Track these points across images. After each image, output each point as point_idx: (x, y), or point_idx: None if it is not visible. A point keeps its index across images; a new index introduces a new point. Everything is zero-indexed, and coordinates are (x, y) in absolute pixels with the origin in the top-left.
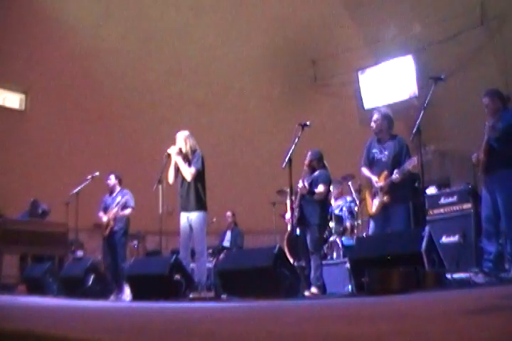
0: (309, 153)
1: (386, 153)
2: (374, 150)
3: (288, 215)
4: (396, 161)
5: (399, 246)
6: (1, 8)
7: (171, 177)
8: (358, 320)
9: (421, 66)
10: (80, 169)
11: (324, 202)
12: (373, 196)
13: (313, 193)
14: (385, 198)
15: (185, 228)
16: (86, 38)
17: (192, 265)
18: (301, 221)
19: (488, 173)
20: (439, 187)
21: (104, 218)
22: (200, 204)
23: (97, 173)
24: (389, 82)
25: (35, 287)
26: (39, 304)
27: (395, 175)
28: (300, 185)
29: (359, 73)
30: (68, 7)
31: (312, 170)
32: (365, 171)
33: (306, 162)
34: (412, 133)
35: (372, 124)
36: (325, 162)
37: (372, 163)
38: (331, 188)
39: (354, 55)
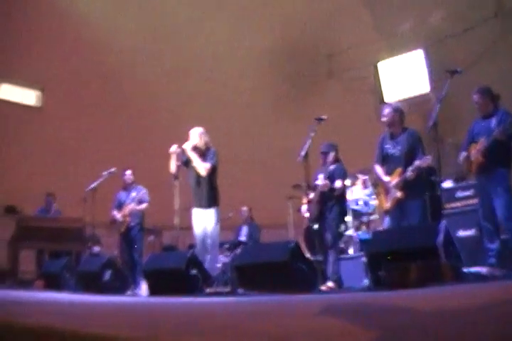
0: (324, 147)
1: (399, 147)
2: (387, 146)
3: (304, 207)
4: (409, 156)
5: (415, 239)
6: (17, 6)
7: (172, 168)
8: (374, 314)
9: (436, 59)
10: (97, 165)
11: (341, 196)
12: (387, 192)
13: (333, 189)
14: (399, 194)
15: (200, 224)
16: (101, 35)
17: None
18: (320, 216)
19: (483, 173)
20: (455, 180)
21: (118, 216)
22: (214, 200)
23: (114, 169)
24: (405, 76)
25: (53, 282)
26: (57, 299)
27: (409, 173)
28: (320, 181)
29: (377, 66)
30: (83, 4)
31: (328, 163)
32: (378, 170)
33: (329, 158)
34: (428, 127)
35: (384, 118)
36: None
37: (385, 159)
38: (347, 182)
39: (370, 49)
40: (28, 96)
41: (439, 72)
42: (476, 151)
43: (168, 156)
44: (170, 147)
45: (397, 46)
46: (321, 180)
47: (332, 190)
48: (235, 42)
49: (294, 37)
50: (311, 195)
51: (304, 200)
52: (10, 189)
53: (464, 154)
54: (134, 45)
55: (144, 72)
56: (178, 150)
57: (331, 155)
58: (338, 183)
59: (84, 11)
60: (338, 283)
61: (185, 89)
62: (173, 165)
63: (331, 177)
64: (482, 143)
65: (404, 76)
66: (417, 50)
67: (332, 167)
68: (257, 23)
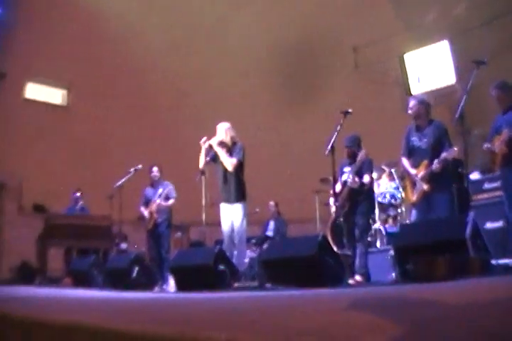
0: (348, 141)
1: (425, 140)
2: (413, 138)
3: (331, 200)
4: (436, 148)
5: (443, 232)
6: (42, 6)
7: (201, 162)
8: (402, 308)
9: (462, 50)
10: (123, 162)
11: (370, 190)
12: (414, 185)
13: (363, 184)
14: (426, 187)
15: (227, 219)
16: (127, 33)
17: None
18: (349, 212)
19: (508, 165)
20: (482, 172)
21: (146, 212)
22: (241, 195)
23: (140, 166)
24: (431, 67)
25: (81, 280)
26: (85, 296)
27: (435, 165)
28: (345, 176)
29: (403, 58)
30: (108, 3)
31: (353, 156)
32: (405, 163)
33: (348, 151)
34: (455, 119)
35: (410, 111)
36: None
37: (412, 152)
38: (374, 175)
39: (395, 41)
40: (54, 96)
41: (464, 63)
42: (500, 142)
43: (194, 152)
44: (196, 143)
45: (422, 38)
46: (347, 176)
47: (362, 185)
48: (262, 38)
49: (319, 30)
50: (337, 187)
51: (331, 192)
52: (38, 188)
53: (487, 145)
54: (160, 43)
55: (171, 69)
56: (207, 143)
57: (362, 153)
58: (366, 178)
59: (110, 9)
60: (366, 276)
61: (212, 84)
62: (202, 161)
63: (359, 173)
64: (505, 133)
65: (430, 67)
66: (442, 41)
67: (359, 161)
68: (284, 19)
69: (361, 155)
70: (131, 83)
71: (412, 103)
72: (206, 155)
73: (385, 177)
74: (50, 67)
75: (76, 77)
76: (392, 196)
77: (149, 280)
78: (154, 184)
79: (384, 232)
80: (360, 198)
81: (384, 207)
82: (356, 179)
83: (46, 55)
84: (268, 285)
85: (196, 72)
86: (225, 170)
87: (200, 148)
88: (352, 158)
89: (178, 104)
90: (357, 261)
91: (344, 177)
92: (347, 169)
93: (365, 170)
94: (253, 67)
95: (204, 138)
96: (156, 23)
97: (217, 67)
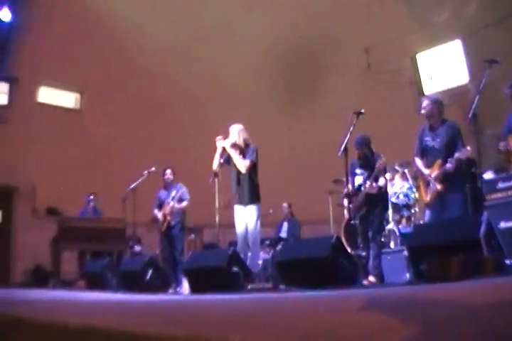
0: (357, 143)
1: (438, 140)
2: (426, 138)
3: (345, 201)
4: (449, 148)
5: (457, 232)
6: (54, 11)
7: (215, 164)
8: (416, 308)
9: (474, 49)
10: (136, 165)
11: (385, 190)
12: (427, 185)
13: (380, 188)
14: (439, 187)
15: (241, 221)
16: (138, 36)
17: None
18: (366, 215)
19: None
20: (496, 171)
21: (159, 215)
22: (255, 197)
23: (154, 168)
24: (444, 67)
25: (95, 282)
26: (99, 299)
27: (449, 165)
28: (359, 179)
29: (416, 58)
30: (119, 6)
31: (364, 157)
32: (418, 163)
33: (360, 153)
34: (468, 118)
35: (422, 111)
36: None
37: (425, 152)
38: (387, 175)
39: (407, 41)
40: (66, 99)
41: (477, 62)
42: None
43: (207, 154)
44: (208, 145)
45: (434, 37)
46: (361, 179)
47: (379, 188)
48: (272, 40)
49: (331, 30)
50: (349, 188)
51: (344, 193)
52: (51, 191)
53: (503, 144)
54: (170, 45)
55: (183, 72)
56: (221, 143)
57: (381, 161)
58: (381, 181)
59: (120, 13)
60: (380, 277)
61: (223, 87)
62: (216, 162)
63: (376, 177)
64: None
65: (443, 67)
66: (455, 41)
67: (378, 170)
68: (295, 19)
69: (379, 164)
70: (143, 86)
71: (424, 103)
72: (220, 157)
73: (398, 177)
74: (63, 70)
75: (88, 80)
76: (406, 196)
77: (163, 283)
78: (168, 186)
79: (398, 233)
80: (376, 201)
81: (397, 208)
82: (374, 184)
83: (58, 58)
84: (282, 286)
85: (207, 74)
86: (239, 172)
87: (212, 150)
88: (363, 159)
89: (189, 106)
90: (370, 262)
91: (358, 180)
92: (359, 171)
93: (380, 173)
94: (263, 68)
95: (220, 137)
96: (165, 26)
97: (228, 68)
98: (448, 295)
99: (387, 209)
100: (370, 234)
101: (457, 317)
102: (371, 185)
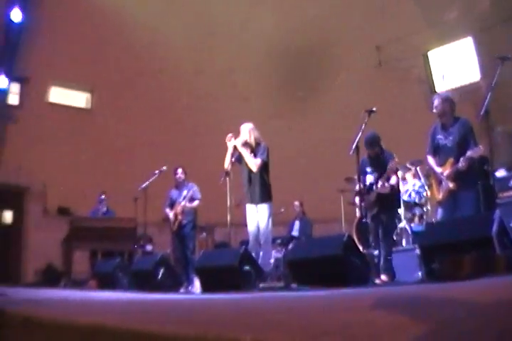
0: (367, 142)
1: (451, 138)
2: (438, 137)
3: (357, 199)
4: (461, 146)
5: (469, 230)
6: (64, 10)
7: (226, 162)
8: (428, 307)
9: (486, 46)
10: (147, 164)
11: (397, 189)
12: (439, 183)
13: (393, 187)
14: (452, 185)
15: (253, 219)
16: (149, 35)
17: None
18: (377, 214)
19: None
20: (508, 169)
21: (171, 214)
22: (266, 195)
23: (165, 168)
24: (455, 64)
25: (106, 282)
26: (110, 298)
27: (461, 164)
28: (370, 177)
29: (427, 56)
30: (131, 6)
31: (375, 156)
32: (430, 161)
33: (371, 152)
34: (480, 116)
35: (434, 109)
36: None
37: (437, 150)
38: (399, 173)
39: (418, 39)
40: (77, 99)
41: (489, 59)
42: None
43: (218, 153)
44: (219, 144)
45: (445, 35)
46: (372, 178)
47: (391, 188)
48: (283, 39)
49: (342, 28)
50: (360, 186)
51: (355, 191)
52: (62, 191)
53: None
54: (183, 43)
55: (193, 71)
56: (232, 140)
57: (392, 163)
58: (393, 180)
59: (130, 11)
60: (391, 276)
61: (234, 85)
62: (227, 161)
63: (388, 178)
64: None
65: (454, 64)
66: (466, 38)
67: (390, 170)
68: (306, 18)
69: (391, 165)
70: (155, 85)
71: (436, 101)
72: (232, 156)
73: (410, 175)
74: (74, 70)
75: (99, 79)
76: (418, 194)
77: (175, 282)
78: (179, 185)
79: (410, 231)
80: (388, 200)
81: (409, 206)
82: (386, 184)
83: (69, 58)
84: (294, 285)
85: (217, 72)
86: (250, 171)
87: (224, 148)
88: (373, 157)
89: (199, 105)
90: (382, 261)
91: (368, 178)
92: (369, 169)
93: (393, 172)
94: (274, 67)
95: (230, 135)
96: (176, 24)
97: (238, 66)
98: (460, 293)
99: (399, 207)
100: (380, 232)
101: (469, 316)
102: (383, 185)
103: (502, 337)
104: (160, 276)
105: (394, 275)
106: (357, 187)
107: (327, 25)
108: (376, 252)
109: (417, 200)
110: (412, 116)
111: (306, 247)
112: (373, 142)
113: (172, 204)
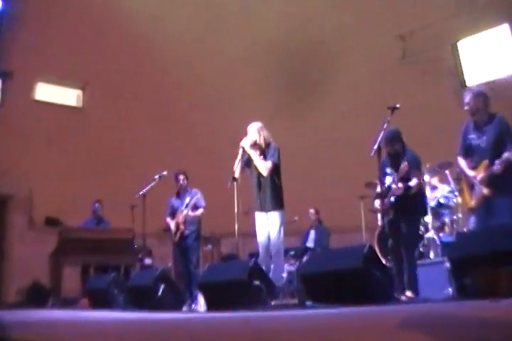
0: (387, 139)
1: (485, 138)
2: (471, 136)
3: (377, 202)
4: (497, 147)
5: (505, 241)
6: (56, 4)
7: (237, 171)
8: (460, 327)
9: None
10: (145, 168)
11: (419, 193)
12: (471, 188)
13: (409, 188)
14: (486, 191)
15: (263, 229)
16: (146, 29)
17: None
18: (396, 220)
19: None
20: None
21: (172, 224)
22: (278, 202)
23: (165, 172)
24: (489, 55)
25: (99, 300)
26: (104, 319)
27: (497, 166)
28: (388, 180)
29: (457, 46)
30: None
31: (395, 155)
32: (461, 163)
33: (390, 150)
34: None
35: (466, 106)
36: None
37: (469, 151)
38: (426, 177)
39: (447, 27)
40: (67, 96)
41: None
42: None
43: (224, 156)
44: (225, 146)
45: (478, 22)
46: (391, 179)
47: (407, 189)
48: (295, 31)
49: (361, 18)
50: (381, 189)
51: (377, 190)
52: (50, 199)
53: None
54: (183, 37)
55: (194, 66)
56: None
57: (404, 165)
58: (413, 182)
59: (128, 2)
60: (415, 291)
61: (241, 82)
62: (237, 167)
63: (405, 178)
64: None
65: (488, 55)
66: (502, 25)
67: (402, 170)
68: (320, 7)
69: (403, 167)
70: (151, 82)
71: (468, 97)
72: (242, 161)
73: (436, 179)
74: (63, 65)
75: (91, 75)
76: (447, 200)
77: (176, 299)
78: (181, 192)
79: (438, 242)
80: (405, 204)
81: (438, 214)
82: (400, 184)
83: (58, 52)
84: (308, 302)
85: (219, 70)
86: (260, 175)
87: (229, 151)
88: (393, 156)
89: (203, 104)
90: (406, 275)
91: (388, 180)
92: (389, 170)
93: (413, 171)
94: (284, 62)
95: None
96: (176, 17)
97: (245, 63)
98: (496, 312)
99: (423, 214)
100: (404, 242)
101: (507, 337)
102: (397, 185)
103: None
104: (160, 293)
105: (417, 291)
106: (378, 189)
107: (346, 13)
108: (391, 264)
109: (446, 207)
110: (440, 114)
111: (322, 259)
112: (393, 138)
113: (173, 213)
